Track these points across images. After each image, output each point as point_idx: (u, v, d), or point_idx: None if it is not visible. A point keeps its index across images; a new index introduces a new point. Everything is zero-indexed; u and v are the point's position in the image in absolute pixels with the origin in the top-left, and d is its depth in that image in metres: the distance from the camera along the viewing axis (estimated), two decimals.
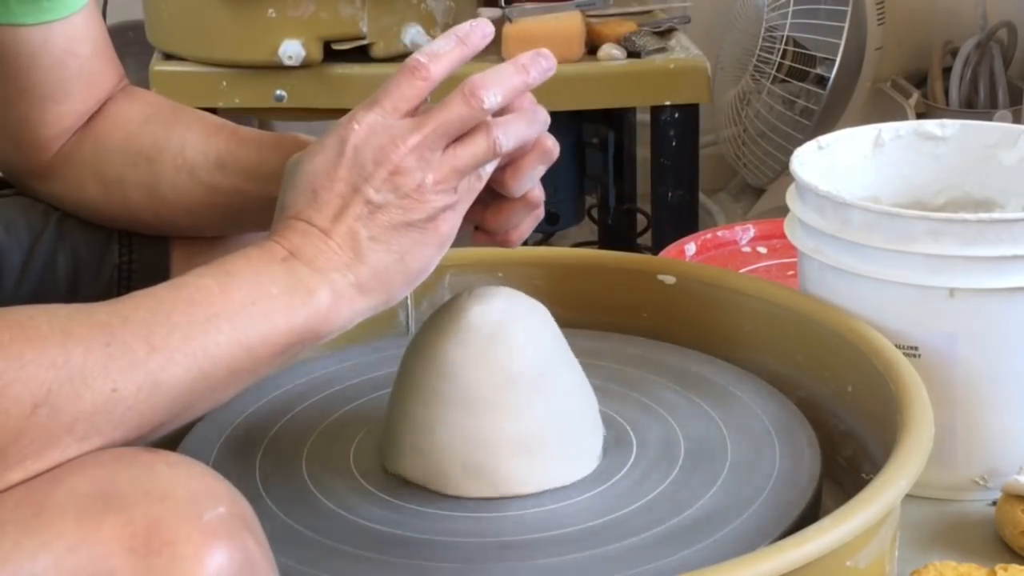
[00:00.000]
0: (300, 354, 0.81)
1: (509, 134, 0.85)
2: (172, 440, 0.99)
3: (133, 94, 1.07)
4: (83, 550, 0.66)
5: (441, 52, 0.85)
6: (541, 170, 0.90)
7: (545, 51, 0.87)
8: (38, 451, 0.70)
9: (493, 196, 0.91)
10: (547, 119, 0.88)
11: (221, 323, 0.76)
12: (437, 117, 0.83)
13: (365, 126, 0.83)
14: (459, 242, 0.87)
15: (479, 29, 0.87)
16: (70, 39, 1.00)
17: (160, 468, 0.71)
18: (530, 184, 0.90)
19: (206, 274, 0.78)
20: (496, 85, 0.84)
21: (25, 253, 1.05)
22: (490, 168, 0.86)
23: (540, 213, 0.94)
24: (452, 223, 0.84)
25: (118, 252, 1.07)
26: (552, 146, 0.90)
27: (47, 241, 1.05)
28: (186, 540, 0.67)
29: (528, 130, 0.87)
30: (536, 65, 0.86)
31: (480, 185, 0.86)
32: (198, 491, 0.70)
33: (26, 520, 0.67)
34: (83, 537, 0.67)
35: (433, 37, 1.62)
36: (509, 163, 0.89)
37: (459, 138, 0.84)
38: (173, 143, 1.02)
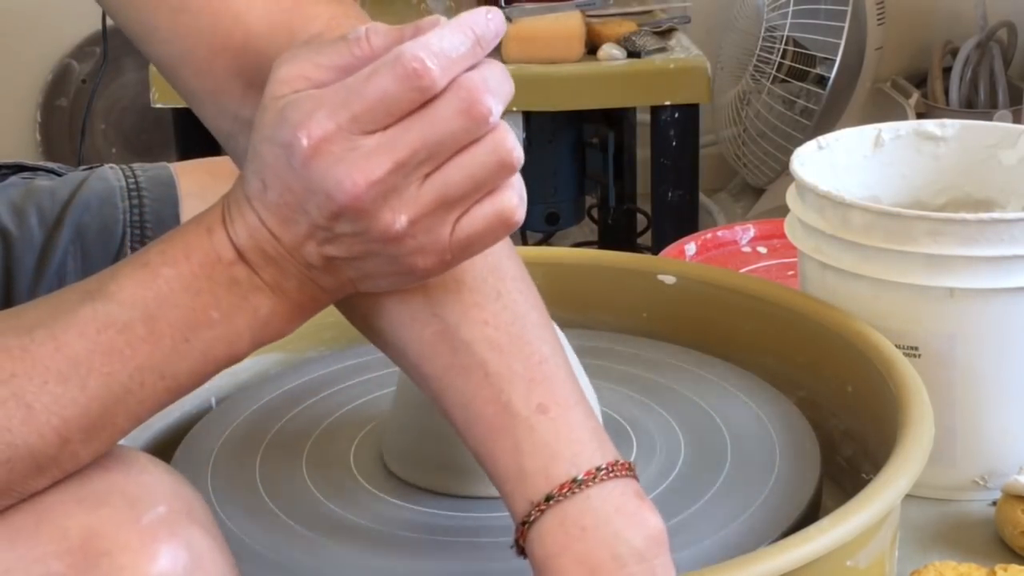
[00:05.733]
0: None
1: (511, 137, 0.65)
2: (171, 440, 1.00)
3: None
4: (20, 572, 0.64)
5: (454, 55, 0.63)
6: None
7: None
8: None
9: None
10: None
11: (145, 376, 0.66)
12: (419, 135, 0.63)
13: (318, 141, 0.63)
14: None
15: (494, 25, 0.65)
16: None
17: (93, 474, 0.67)
18: None
19: (134, 301, 0.66)
20: (501, 85, 0.64)
21: (37, 255, 1.04)
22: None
23: None
24: (430, 263, 0.67)
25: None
26: None
27: (59, 246, 1.05)
28: (124, 548, 0.65)
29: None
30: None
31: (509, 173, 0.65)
32: (134, 493, 0.67)
33: None
34: (18, 558, 0.64)
35: None
36: None
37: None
38: None
